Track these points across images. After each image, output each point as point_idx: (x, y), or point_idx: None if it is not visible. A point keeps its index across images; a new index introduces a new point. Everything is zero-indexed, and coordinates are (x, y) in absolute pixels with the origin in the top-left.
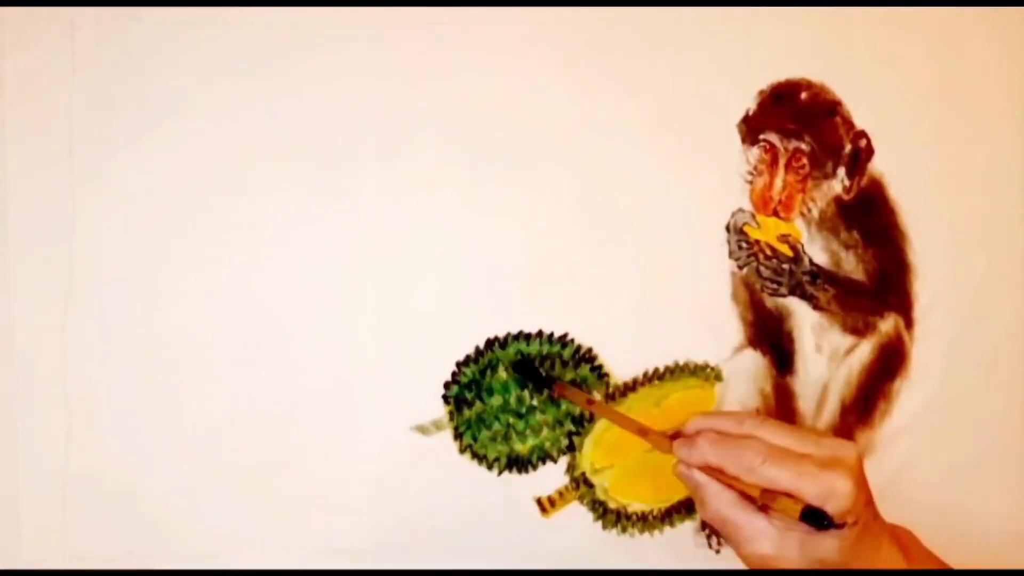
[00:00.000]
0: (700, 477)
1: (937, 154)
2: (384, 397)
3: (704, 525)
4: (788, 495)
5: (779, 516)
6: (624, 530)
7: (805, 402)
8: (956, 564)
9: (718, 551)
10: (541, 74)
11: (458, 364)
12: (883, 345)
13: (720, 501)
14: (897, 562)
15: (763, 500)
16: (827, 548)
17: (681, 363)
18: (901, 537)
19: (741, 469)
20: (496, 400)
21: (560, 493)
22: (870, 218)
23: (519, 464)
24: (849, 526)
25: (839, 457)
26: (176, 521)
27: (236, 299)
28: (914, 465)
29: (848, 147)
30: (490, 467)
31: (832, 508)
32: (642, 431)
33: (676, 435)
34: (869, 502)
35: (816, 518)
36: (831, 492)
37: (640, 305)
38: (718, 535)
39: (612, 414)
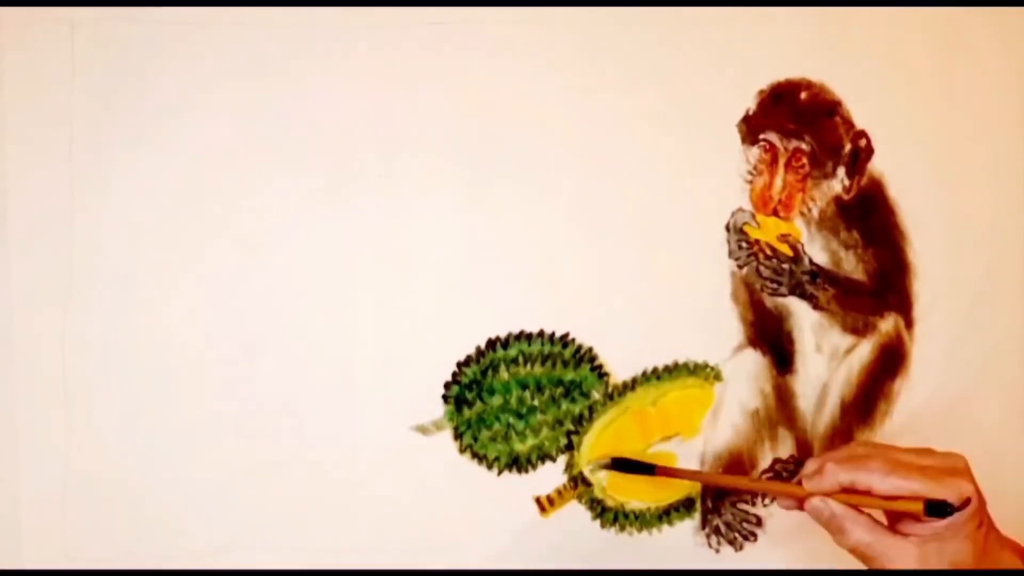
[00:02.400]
0: (837, 507)
1: (937, 154)
2: (384, 397)
3: (704, 524)
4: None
5: (913, 530)
6: (623, 528)
7: (805, 402)
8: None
9: (718, 551)
10: (541, 74)
11: (459, 364)
12: (883, 345)
13: (860, 527)
14: (1016, 565)
15: (888, 508)
16: (962, 551)
17: (680, 363)
18: (1017, 547)
19: (872, 482)
20: (496, 400)
21: (559, 492)
22: (870, 218)
23: (519, 464)
24: (977, 527)
25: (955, 466)
26: (176, 521)
27: (236, 299)
28: None
29: (848, 147)
30: (490, 467)
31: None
32: (764, 490)
33: (787, 494)
34: (986, 506)
35: (940, 509)
36: (959, 495)
37: (640, 305)
38: (730, 536)
39: (723, 479)
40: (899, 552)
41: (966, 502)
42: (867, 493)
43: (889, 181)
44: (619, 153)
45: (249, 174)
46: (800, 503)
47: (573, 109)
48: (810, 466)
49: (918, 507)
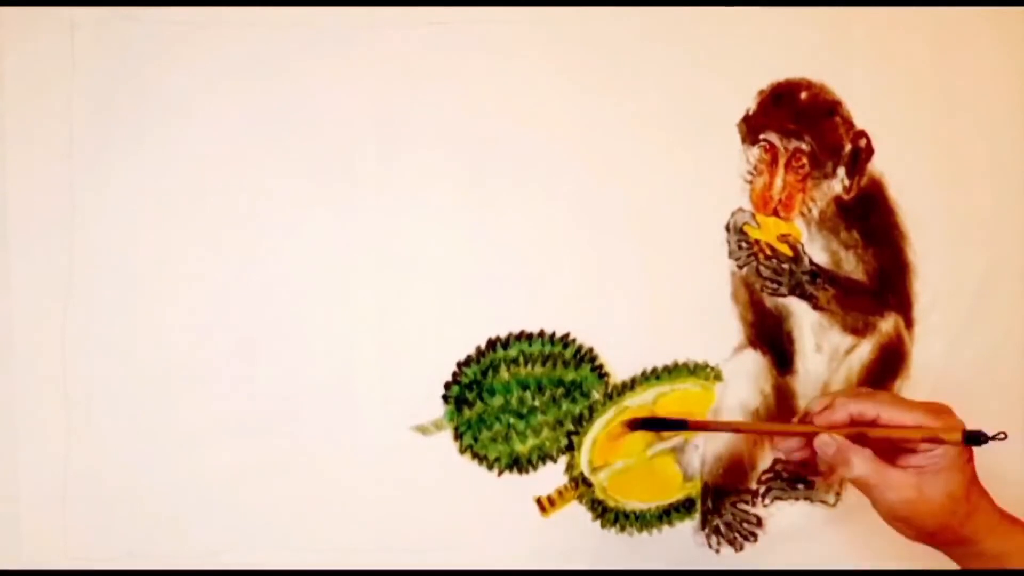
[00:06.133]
0: (843, 441)
1: (937, 154)
2: (384, 397)
3: (704, 524)
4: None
5: (912, 462)
6: (623, 529)
7: (805, 402)
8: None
9: (718, 551)
10: (541, 74)
11: (459, 364)
12: (883, 345)
13: (864, 459)
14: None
15: (925, 436)
16: (954, 480)
17: (680, 363)
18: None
19: (880, 411)
20: (497, 400)
21: (559, 492)
22: (870, 218)
23: (519, 464)
24: (967, 461)
25: (944, 406)
26: (176, 521)
27: (236, 299)
28: None
29: (848, 147)
30: (490, 467)
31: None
32: (778, 432)
33: (803, 418)
34: None
35: (976, 438)
36: (956, 427)
37: (640, 305)
38: (730, 537)
39: (744, 426)
40: (900, 481)
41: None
42: (873, 423)
43: (889, 181)
44: (619, 153)
45: (249, 174)
46: (808, 444)
47: (573, 109)
48: (817, 404)
49: (956, 437)
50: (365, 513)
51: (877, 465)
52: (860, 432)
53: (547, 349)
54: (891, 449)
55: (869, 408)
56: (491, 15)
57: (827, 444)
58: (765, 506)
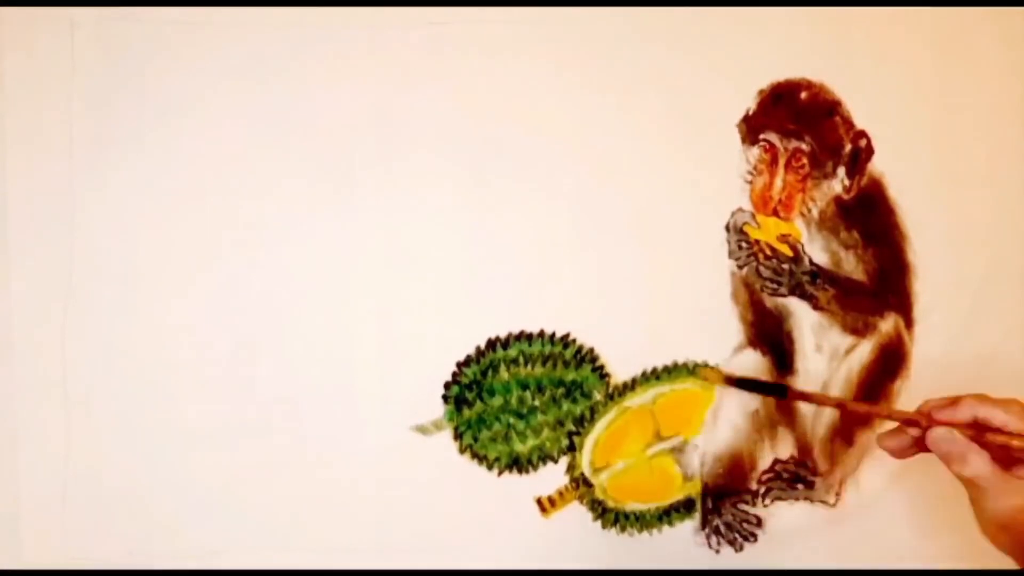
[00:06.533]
0: (962, 438)
1: (937, 154)
2: (384, 397)
3: (704, 524)
4: None
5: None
6: (623, 529)
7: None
8: (958, 563)
9: (718, 551)
10: (541, 74)
11: (459, 364)
12: (883, 345)
13: (981, 459)
14: None
15: None
16: None
17: (680, 363)
18: None
19: (1008, 420)
20: (497, 400)
21: (560, 493)
22: (870, 218)
23: (519, 464)
24: None
25: None
26: (176, 521)
27: (236, 299)
28: (914, 464)
29: (848, 147)
30: (490, 467)
31: None
32: (890, 416)
33: (910, 421)
34: None
35: None
36: None
37: (640, 305)
38: (730, 537)
39: (856, 407)
40: (1011, 488)
41: None
42: (997, 431)
43: (889, 181)
44: (619, 153)
45: (249, 174)
46: (915, 440)
47: (573, 109)
48: (938, 400)
49: None
50: (365, 513)
51: (993, 468)
52: (980, 435)
53: (547, 349)
54: (1007, 458)
55: (997, 415)
56: (491, 15)
57: (945, 439)
58: (765, 506)
